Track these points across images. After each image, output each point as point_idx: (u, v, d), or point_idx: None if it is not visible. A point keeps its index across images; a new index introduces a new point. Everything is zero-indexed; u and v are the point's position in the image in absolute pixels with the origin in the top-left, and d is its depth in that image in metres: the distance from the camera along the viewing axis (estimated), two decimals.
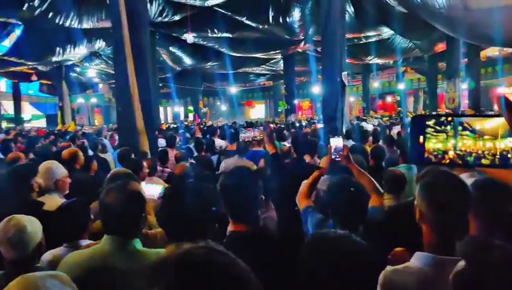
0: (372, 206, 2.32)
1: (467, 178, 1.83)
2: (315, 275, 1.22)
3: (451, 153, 0.70)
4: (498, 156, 0.69)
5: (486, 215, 1.55)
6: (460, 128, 0.70)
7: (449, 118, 0.71)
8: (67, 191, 3.10)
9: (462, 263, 1.00)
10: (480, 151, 0.70)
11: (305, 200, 2.61)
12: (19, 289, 1.26)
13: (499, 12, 8.06)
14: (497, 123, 0.68)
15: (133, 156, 4.73)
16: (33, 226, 1.87)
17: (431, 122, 0.72)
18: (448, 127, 0.71)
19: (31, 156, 5.92)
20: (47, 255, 2.15)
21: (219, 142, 6.97)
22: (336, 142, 2.74)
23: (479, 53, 16.59)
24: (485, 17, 8.65)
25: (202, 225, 1.47)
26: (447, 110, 14.60)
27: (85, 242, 2.27)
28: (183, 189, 1.55)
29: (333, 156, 2.66)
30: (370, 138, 6.52)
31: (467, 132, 0.70)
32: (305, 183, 2.70)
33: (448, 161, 0.71)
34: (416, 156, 0.73)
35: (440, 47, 15.92)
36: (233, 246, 1.67)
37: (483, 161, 0.70)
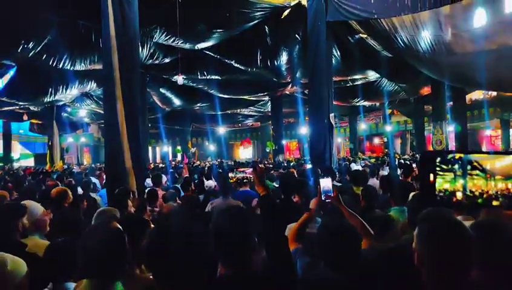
0: (364, 249, 2.28)
1: (463, 221, 1.80)
2: None
3: (459, 195, 0.65)
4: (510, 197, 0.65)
5: (488, 260, 1.48)
6: (469, 167, 0.66)
7: (457, 156, 0.67)
8: (47, 230, 2.97)
9: None
10: (491, 192, 0.65)
11: (294, 242, 2.58)
12: None
13: (483, 56, 8.35)
14: (509, 162, 0.63)
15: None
16: (16, 265, 1.78)
17: (436, 160, 0.67)
18: (456, 166, 0.66)
19: (15, 194, 5.80)
20: None
21: (209, 183, 6.92)
22: (326, 183, 2.69)
23: (464, 96, 16.99)
24: (468, 61, 8.96)
25: (190, 267, 1.39)
26: None
27: (71, 285, 2.17)
28: (169, 229, 1.47)
29: (322, 198, 2.64)
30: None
31: (477, 171, 0.65)
32: (294, 226, 2.67)
33: (455, 201, 0.66)
34: (427, 198, 0.67)
35: (426, 90, 16.35)
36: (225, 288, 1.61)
37: (494, 203, 0.65)
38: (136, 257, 2.03)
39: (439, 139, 15.16)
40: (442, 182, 0.65)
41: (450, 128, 16.51)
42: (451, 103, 16.94)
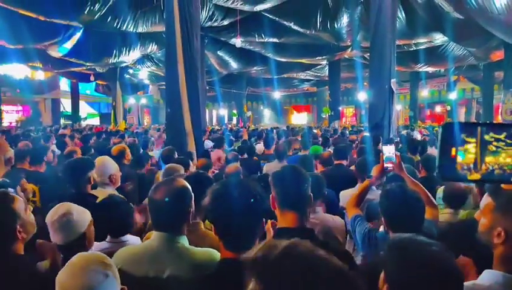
0: (427, 218, 2.24)
1: None
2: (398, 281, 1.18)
3: None
4: None
5: None
6: None
7: None
8: (118, 185, 3.20)
9: None
10: None
11: (354, 209, 2.58)
12: (71, 267, 1.34)
13: None
14: None
15: (176, 155, 4.84)
16: (81, 215, 1.91)
17: (502, 136, 0.63)
18: None
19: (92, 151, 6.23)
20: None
21: (258, 147, 7.01)
22: (388, 150, 2.65)
23: None
24: None
25: (253, 221, 1.47)
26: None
27: (130, 238, 2.31)
28: (234, 185, 1.54)
29: (385, 165, 2.61)
30: None
31: None
32: (355, 192, 2.68)
33: None
34: (447, 172, 0.64)
35: (498, 55, 15.07)
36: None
37: None
38: (200, 213, 2.10)
39: (510, 109, 14.05)
40: (505, 156, 0.61)
41: None
42: None
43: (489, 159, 0.62)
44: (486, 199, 2.00)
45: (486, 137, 0.62)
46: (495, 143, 0.62)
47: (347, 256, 1.89)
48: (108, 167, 3.11)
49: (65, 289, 1.31)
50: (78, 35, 14.35)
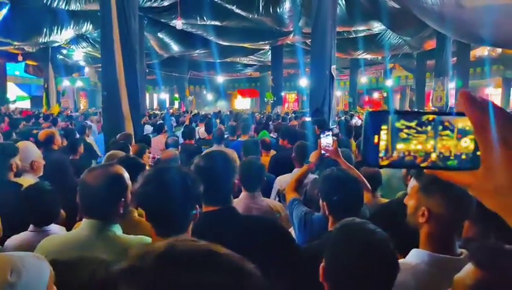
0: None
1: None
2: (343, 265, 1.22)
3: (433, 155, 0.63)
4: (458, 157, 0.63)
5: (480, 216, 1.54)
6: (440, 127, 0.63)
7: (431, 118, 0.64)
8: (41, 173, 2.99)
9: (469, 266, 1.00)
10: (459, 153, 0.63)
11: (292, 193, 2.63)
12: None
13: (494, 11, 8.00)
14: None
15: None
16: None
17: (413, 123, 0.64)
18: (429, 127, 0.64)
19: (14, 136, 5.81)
20: (12, 241, 2.05)
21: (202, 132, 6.91)
22: (327, 138, 2.75)
23: (468, 52, 16.63)
24: (478, 16, 8.65)
25: (184, 207, 1.44)
26: (433, 108, 14.72)
27: (54, 228, 2.18)
28: (165, 170, 1.51)
29: (322, 151, 2.68)
30: None
31: (448, 132, 0.63)
32: (294, 177, 2.72)
33: (429, 163, 0.63)
34: (371, 158, 0.64)
35: (430, 44, 16.00)
36: (204, 224, 1.62)
37: (450, 163, 0.63)
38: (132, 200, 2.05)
39: (440, 96, 15.02)
40: (416, 143, 0.63)
41: (451, 85, 16.30)
42: (455, 58, 16.64)
43: (400, 146, 0.62)
44: (412, 183, 2.11)
45: (397, 124, 0.63)
46: (406, 130, 0.63)
47: (285, 234, 1.87)
48: (29, 152, 2.89)
49: None
50: (4, 11, 13.16)
